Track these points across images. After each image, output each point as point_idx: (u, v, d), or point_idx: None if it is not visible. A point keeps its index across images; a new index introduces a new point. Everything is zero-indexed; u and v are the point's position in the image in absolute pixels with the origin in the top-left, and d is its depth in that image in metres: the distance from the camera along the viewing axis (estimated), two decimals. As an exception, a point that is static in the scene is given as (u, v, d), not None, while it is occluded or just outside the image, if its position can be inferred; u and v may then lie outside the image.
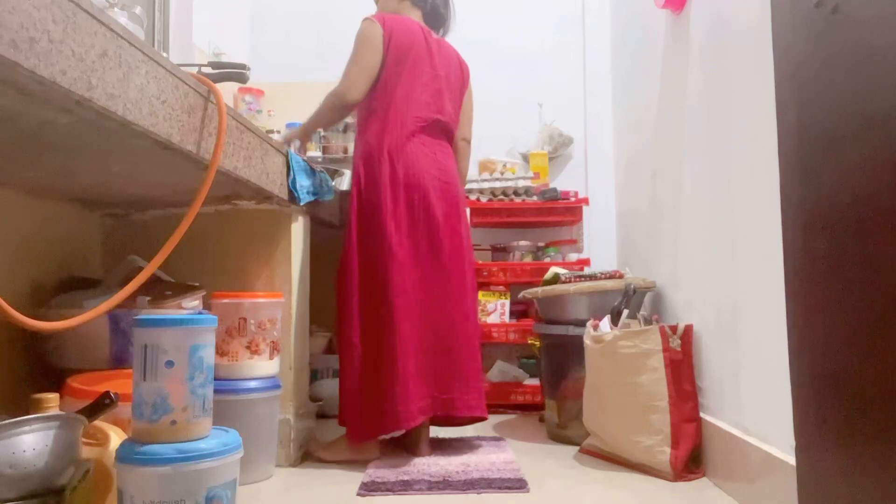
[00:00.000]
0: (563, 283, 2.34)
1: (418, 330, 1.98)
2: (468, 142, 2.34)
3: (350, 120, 3.21)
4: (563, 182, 3.20)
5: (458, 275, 2.08)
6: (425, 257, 2.03)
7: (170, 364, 1.13)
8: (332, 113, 2.13)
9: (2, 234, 1.63)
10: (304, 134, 2.18)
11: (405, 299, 1.96)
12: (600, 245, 3.08)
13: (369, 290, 1.99)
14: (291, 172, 1.89)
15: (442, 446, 2.12)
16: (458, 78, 2.28)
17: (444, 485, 1.69)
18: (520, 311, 2.97)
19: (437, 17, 2.31)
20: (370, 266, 1.99)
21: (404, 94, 2.09)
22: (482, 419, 2.13)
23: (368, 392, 1.94)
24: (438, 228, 2.06)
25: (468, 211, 2.92)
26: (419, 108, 2.11)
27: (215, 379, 1.25)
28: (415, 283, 2.00)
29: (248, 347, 1.78)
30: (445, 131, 2.19)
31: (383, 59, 2.10)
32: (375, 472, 1.81)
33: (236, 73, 1.86)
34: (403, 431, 1.97)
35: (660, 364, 1.85)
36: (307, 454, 1.99)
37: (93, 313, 1.14)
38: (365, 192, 2.04)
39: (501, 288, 2.96)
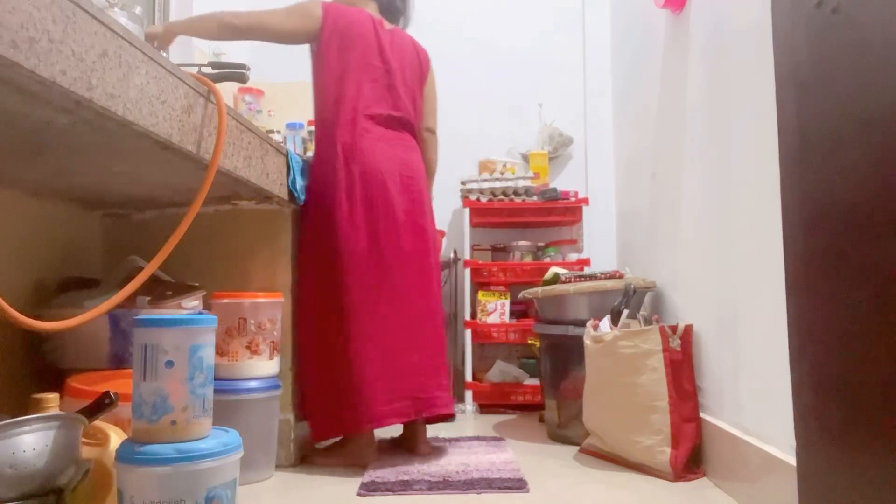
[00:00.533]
0: (563, 283, 2.34)
1: (383, 328, 1.94)
2: (433, 132, 2.29)
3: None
4: (563, 182, 3.20)
5: (422, 270, 2.04)
6: (387, 254, 1.98)
7: (170, 364, 1.13)
8: (219, 27, 1.96)
9: (2, 234, 1.63)
10: (178, 30, 1.98)
11: (362, 297, 1.92)
12: (600, 245, 3.08)
13: (324, 290, 1.94)
14: (291, 172, 1.89)
15: (442, 446, 2.12)
16: (415, 68, 2.21)
17: (444, 485, 1.69)
18: (520, 311, 2.97)
19: (393, 10, 2.26)
20: (324, 267, 1.95)
21: (354, 90, 2.03)
22: (451, 417, 2.14)
23: (329, 391, 1.91)
24: (399, 224, 2.01)
25: (468, 211, 2.93)
26: (372, 105, 2.05)
27: (215, 379, 1.24)
28: (376, 280, 1.96)
29: (248, 347, 1.78)
30: (404, 125, 2.13)
31: (319, 45, 2.05)
32: (375, 472, 1.81)
33: (236, 73, 1.86)
34: (395, 431, 1.97)
35: (660, 364, 1.85)
36: (304, 459, 1.98)
37: (93, 313, 1.14)
38: (318, 194, 1.98)
39: (501, 288, 2.96)
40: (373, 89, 2.07)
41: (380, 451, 2.01)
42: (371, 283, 1.95)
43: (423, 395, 1.97)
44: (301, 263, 2.01)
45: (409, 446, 2.05)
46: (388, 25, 2.19)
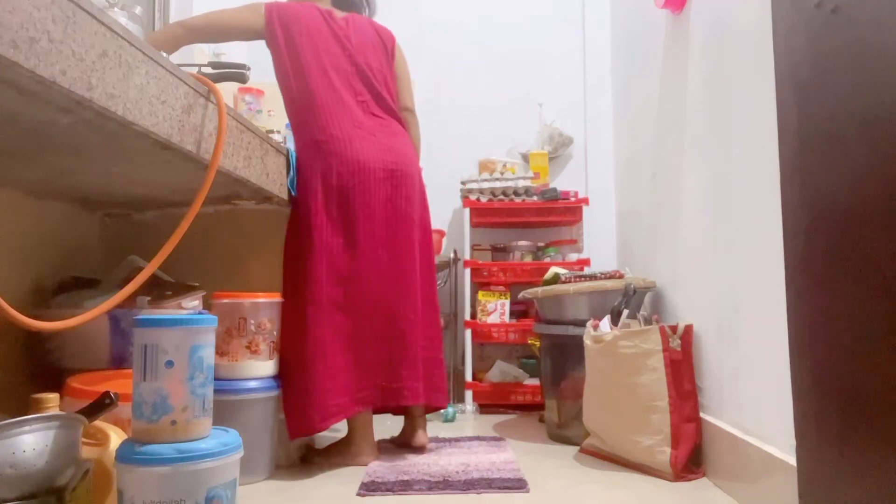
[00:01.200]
0: (563, 283, 2.34)
1: (352, 323, 1.91)
2: (411, 110, 2.24)
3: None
4: (563, 182, 3.20)
5: (401, 260, 1.99)
6: (361, 246, 1.94)
7: (170, 364, 1.13)
8: (172, 38, 1.93)
9: (2, 234, 1.63)
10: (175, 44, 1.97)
11: (329, 291, 1.89)
12: (600, 245, 3.08)
13: (297, 285, 1.92)
14: (291, 172, 1.89)
15: (442, 446, 2.12)
16: (378, 49, 2.16)
17: (444, 485, 1.69)
18: (520, 311, 2.97)
19: (349, 4, 2.23)
20: (299, 261, 1.93)
21: (320, 82, 2.00)
22: (438, 408, 2.10)
23: (298, 388, 1.87)
24: (376, 214, 1.96)
25: (468, 211, 2.93)
26: (340, 92, 2.01)
27: (215, 379, 1.25)
28: (347, 273, 1.92)
29: (247, 347, 1.78)
30: (382, 107, 2.08)
31: (268, 43, 2.04)
32: (375, 472, 1.81)
33: (236, 73, 1.86)
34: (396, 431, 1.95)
35: (660, 364, 1.85)
36: (304, 459, 1.98)
37: (93, 313, 1.14)
38: (298, 190, 1.96)
39: (501, 288, 2.96)
40: (339, 78, 2.03)
41: (380, 451, 2.01)
42: (341, 276, 1.92)
43: (393, 384, 1.93)
44: (284, 259, 1.99)
45: (405, 440, 2.04)
46: (339, 14, 2.14)
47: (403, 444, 2.07)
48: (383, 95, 2.10)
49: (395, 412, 2.13)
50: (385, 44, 2.19)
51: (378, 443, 2.04)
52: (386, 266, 1.97)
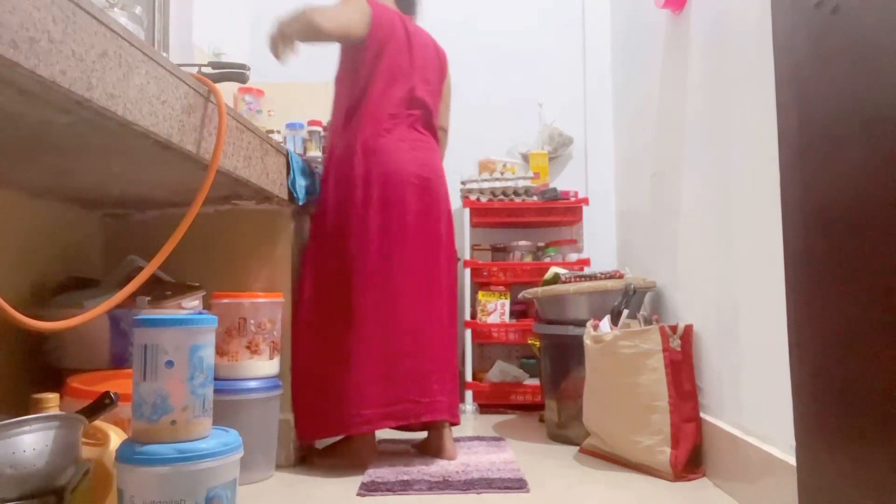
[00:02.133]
0: (563, 283, 2.34)
1: (384, 333, 1.90)
2: (446, 131, 2.29)
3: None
4: (563, 182, 3.20)
5: (430, 276, 2.00)
6: (395, 259, 1.94)
7: (170, 364, 1.13)
8: (331, 34, 1.97)
9: (2, 234, 1.63)
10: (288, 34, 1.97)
11: (367, 301, 1.90)
12: (600, 245, 3.08)
13: (328, 289, 1.93)
14: (291, 172, 1.89)
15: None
16: (437, 67, 2.20)
17: (444, 485, 1.69)
18: (520, 311, 2.97)
19: (409, 4, 2.24)
20: (332, 266, 1.93)
21: (382, 88, 2.02)
22: (453, 424, 2.07)
23: (321, 393, 1.88)
24: (410, 229, 1.97)
25: (467, 211, 2.93)
26: (397, 104, 2.03)
27: (215, 379, 1.25)
28: (382, 284, 1.92)
29: (247, 347, 1.78)
30: (426, 124, 2.11)
31: (364, 40, 2.02)
32: (375, 472, 1.81)
33: (236, 73, 1.86)
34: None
35: (660, 364, 1.85)
36: (304, 459, 1.97)
37: (93, 313, 1.14)
38: (334, 191, 1.97)
39: (501, 288, 2.96)
40: (398, 88, 2.05)
41: (380, 452, 2.01)
42: (377, 287, 1.92)
43: (424, 399, 1.92)
44: (306, 261, 1.99)
45: (433, 450, 1.99)
46: (411, 22, 2.17)
47: (430, 453, 2.01)
48: (432, 113, 2.14)
49: (416, 428, 2.09)
50: (441, 65, 2.23)
51: (379, 443, 2.04)
52: (417, 279, 1.97)
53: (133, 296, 1.29)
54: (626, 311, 2.07)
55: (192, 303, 1.71)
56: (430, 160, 2.08)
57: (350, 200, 1.95)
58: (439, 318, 2.01)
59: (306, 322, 1.94)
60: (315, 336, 1.92)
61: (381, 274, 1.93)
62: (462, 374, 2.88)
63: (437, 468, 1.85)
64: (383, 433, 2.17)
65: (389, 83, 2.04)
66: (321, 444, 2.05)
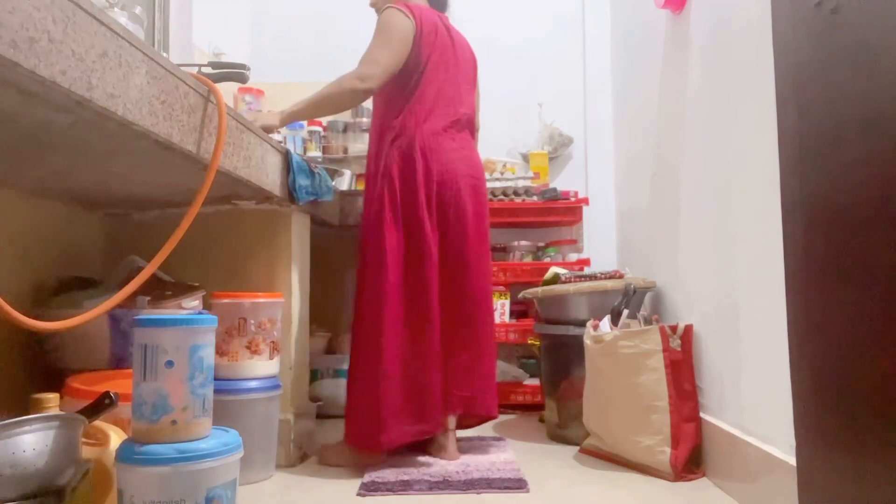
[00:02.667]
0: (563, 283, 2.34)
1: (443, 332, 1.95)
2: (477, 130, 2.31)
3: (350, 119, 3.21)
4: (563, 182, 3.20)
5: (481, 275, 2.05)
6: (452, 257, 1.99)
7: (170, 364, 1.13)
8: (348, 97, 1.97)
9: (2, 234, 1.63)
10: (289, 121, 2.03)
11: (437, 302, 1.94)
12: (600, 245, 3.08)
13: (408, 292, 1.94)
14: (291, 172, 1.89)
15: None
16: (473, 67, 2.24)
17: (444, 485, 1.69)
18: (520, 311, 2.97)
19: (441, 3, 2.24)
20: (409, 267, 1.94)
21: (435, 89, 2.05)
22: (491, 418, 2.12)
23: (405, 397, 1.88)
24: (468, 228, 2.02)
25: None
26: (447, 104, 2.06)
27: (215, 379, 1.25)
28: (442, 284, 1.97)
29: (247, 347, 1.78)
30: (469, 125, 2.16)
31: (410, 52, 2.02)
32: (375, 472, 1.81)
33: (236, 73, 1.86)
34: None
35: (660, 364, 1.85)
36: (321, 460, 1.95)
37: (93, 313, 1.14)
38: (401, 191, 1.98)
39: (501, 288, 2.96)
40: (450, 87, 2.08)
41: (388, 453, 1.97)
42: (441, 287, 1.97)
43: (463, 393, 1.98)
44: (371, 260, 1.96)
45: (436, 450, 1.98)
46: (449, 23, 2.18)
47: (431, 453, 1.99)
48: (472, 114, 2.17)
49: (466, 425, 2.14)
50: (476, 66, 2.25)
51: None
52: (471, 279, 2.02)
53: (133, 296, 1.29)
54: (626, 311, 2.07)
55: (192, 303, 1.71)
56: (476, 162, 2.12)
57: (415, 201, 1.96)
58: (486, 317, 2.06)
59: (390, 326, 1.91)
60: (404, 341, 1.91)
61: (446, 272, 1.97)
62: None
63: (437, 468, 1.85)
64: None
65: (441, 83, 2.06)
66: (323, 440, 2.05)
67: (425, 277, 1.93)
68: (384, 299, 1.91)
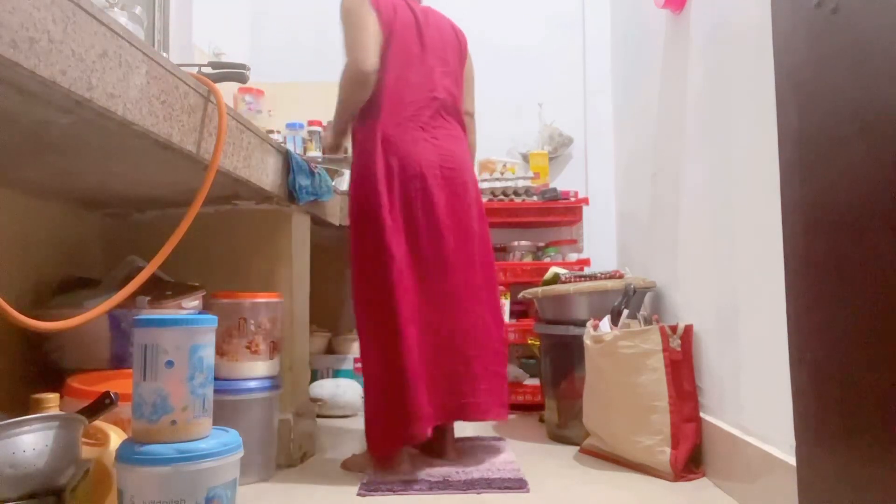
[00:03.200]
0: (563, 283, 2.34)
1: (421, 335, 1.83)
2: (472, 115, 2.16)
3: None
4: (563, 182, 3.20)
5: (463, 272, 1.91)
6: (425, 255, 1.86)
7: (170, 364, 1.13)
8: (354, 89, 1.89)
9: (2, 234, 1.63)
10: (341, 132, 2.02)
11: (407, 301, 1.81)
12: (600, 245, 3.08)
13: (373, 296, 1.84)
14: (291, 172, 1.89)
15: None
16: (455, 48, 2.07)
17: (444, 485, 1.69)
18: (520, 311, 2.97)
19: None
20: (370, 269, 1.85)
21: (395, 76, 1.91)
22: (499, 419, 2.03)
23: (384, 403, 1.79)
24: (441, 224, 1.88)
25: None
26: (413, 90, 1.92)
27: (215, 379, 1.25)
28: (414, 283, 1.84)
29: (247, 347, 1.78)
30: (449, 110, 1.99)
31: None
32: (375, 471, 1.81)
33: (236, 73, 1.86)
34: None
35: (660, 364, 1.85)
36: (343, 465, 1.92)
37: (93, 313, 1.14)
38: (359, 189, 1.88)
39: (501, 288, 2.95)
40: (415, 73, 1.94)
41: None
42: (412, 287, 1.83)
43: (456, 401, 1.85)
44: (352, 263, 1.90)
45: (436, 452, 1.95)
46: (418, 3, 2.05)
47: (432, 454, 1.96)
48: (452, 97, 2.01)
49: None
50: (460, 46, 2.10)
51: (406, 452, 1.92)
52: (452, 279, 1.88)
53: (133, 296, 1.29)
54: (626, 311, 2.07)
55: (192, 303, 1.71)
56: (453, 150, 1.96)
57: (374, 198, 1.84)
58: (474, 317, 1.91)
59: (364, 334, 1.86)
60: (376, 347, 1.84)
61: (417, 271, 1.85)
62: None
63: (437, 468, 1.85)
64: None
65: (404, 69, 1.92)
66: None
67: (388, 282, 1.79)
68: (358, 306, 1.88)
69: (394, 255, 1.81)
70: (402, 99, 1.91)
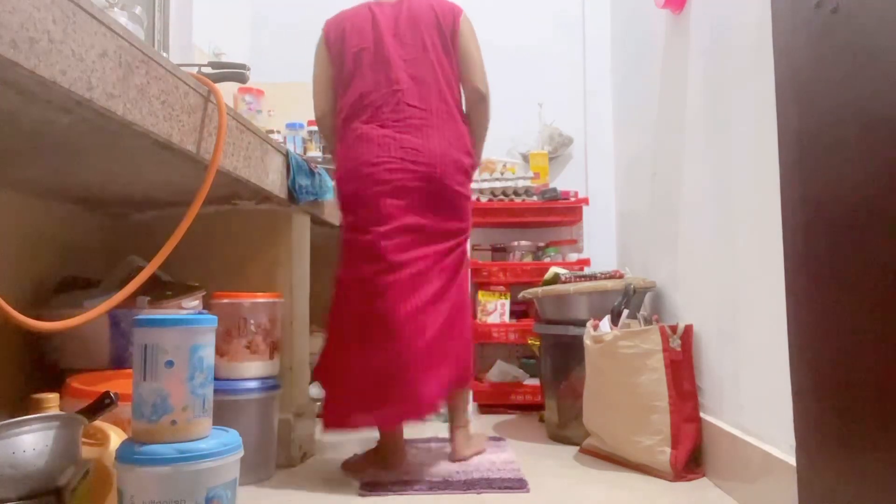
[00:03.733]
0: (563, 283, 2.34)
1: (358, 338, 1.79)
2: (480, 91, 2.02)
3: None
4: (563, 182, 3.20)
5: (420, 272, 1.80)
6: (379, 258, 1.78)
7: (170, 364, 1.13)
8: (319, 126, 2.07)
9: (2, 234, 1.63)
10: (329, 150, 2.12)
11: (347, 307, 1.82)
12: (600, 245, 3.08)
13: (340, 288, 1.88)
14: (291, 172, 1.89)
15: (442, 446, 2.12)
16: (432, 28, 1.94)
17: (444, 485, 1.69)
18: (520, 311, 2.97)
19: None
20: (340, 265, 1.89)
21: (347, 80, 1.93)
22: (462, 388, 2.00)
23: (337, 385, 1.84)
24: (389, 224, 1.79)
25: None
26: (371, 86, 1.88)
27: (215, 379, 1.24)
28: (367, 286, 1.79)
29: (247, 347, 1.78)
30: (420, 96, 1.89)
31: (332, 59, 1.97)
32: (376, 472, 1.81)
33: (236, 73, 1.86)
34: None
35: (660, 364, 1.85)
36: (343, 467, 1.90)
37: (93, 313, 1.14)
38: (337, 190, 1.96)
39: (501, 288, 2.96)
40: (368, 70, 1.90)
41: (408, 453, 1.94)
42: (363, 290, 1.80)
43: (380, 409, 1.77)
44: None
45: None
46: (389, 2, 1.99)
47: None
48: (427, 81, 1.90)
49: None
50: (440, 21, 1.95)
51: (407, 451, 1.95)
52: (402, 281, 1.78)
53: (133, 296, 1.29)
54: (626, 311, 2.07)
55: (192, 303, 1.71)
56: (418, 145, 1.84)
57: (339, 199, 1.91)
58: (409, 315, 1.77)
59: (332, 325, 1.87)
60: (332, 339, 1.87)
61: (368, 276, 1.79)
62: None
63: (437, 468, 1.85)
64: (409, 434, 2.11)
65: (356, 70, 1.91)
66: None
67: (337, 285, 1.87)
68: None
69: (345, 257, 1.87)
70: (358, 99, 1.90)
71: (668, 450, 1.78)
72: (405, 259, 1.80)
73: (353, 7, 2.04)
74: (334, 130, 1.98)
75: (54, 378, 1.50)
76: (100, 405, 1.20)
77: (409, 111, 1.88)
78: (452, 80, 1.99)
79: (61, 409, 1.20)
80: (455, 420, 2.00)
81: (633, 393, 1.87)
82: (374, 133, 1.87)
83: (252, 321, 1.78)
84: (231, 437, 1.20)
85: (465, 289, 1.98)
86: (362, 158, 1.85)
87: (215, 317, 1.23)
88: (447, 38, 1.97)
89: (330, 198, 2.14)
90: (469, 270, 2.05)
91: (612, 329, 2.02)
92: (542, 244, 3.10)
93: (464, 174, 1.97)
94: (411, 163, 1.84)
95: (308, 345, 2.14)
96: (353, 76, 1.93)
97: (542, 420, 2.49)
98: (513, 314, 2.94)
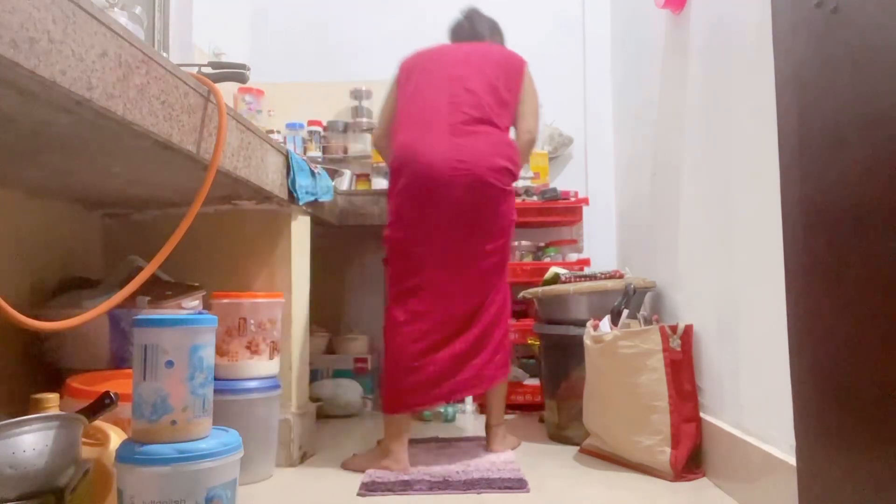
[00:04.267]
0: (563, 283, 2.34)
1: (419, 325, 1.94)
2: (532, 135, 2.18)
3: (350, 119, 3.22)
4: (563, 182, 3.20)
5: (465, 267, 1.97)
6: (426, 253, 1.96)
7: (170, 364, 1.13)
8: (376, 148, 2.27)
9: (2, 234, 1.63)
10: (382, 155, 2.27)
11: (405, 307, 1.94)
12: (600, 245, 3.08)
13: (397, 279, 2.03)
14: (291, 172, 1.89)
15: (442, 446, 2.12)
16: (500, 69, 2.14)
17: (444, 485, 1.69)
18: (520, 311, 2.97)
19: (475, 34, 2.31)
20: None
21: (409, 95, 2.07)
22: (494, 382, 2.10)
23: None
24: (444, 223, 1.95)
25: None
26: (434, 112, 2.01)
27: (215, 379, 1.25)
28: (416, 279, 1.95)
29: (247, 347, 1.78)
30: (483, 121, 2.02)
31: (400, 89, 2.14)
32: (376, 472, 1.81)
33: (236, 73, 1.86)
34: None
35: (660, 364, 1.85)
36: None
37: (93, 313, 1.14)
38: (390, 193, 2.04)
39: (501, 288, 2.95)
40: (438, 97, 2.04)
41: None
42: (416, 283, 1.95)
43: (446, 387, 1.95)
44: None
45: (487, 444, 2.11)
46: (462, 43, 2.26)
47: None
48: (487, 112, 2.03)
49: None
50: (509, 65, 2.20)
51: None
52: (452, 272, 1.96)
53: (133, 296, 1.29)
54: (626, 311, 2.07)
55: (192, 303, 1.71)
56: (470, 147, 1.95)
57: (393, 193, 2.00)
58: (463, 311, 1.98)
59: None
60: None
61: (416, 269, 1.95)
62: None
63: (437, 468, 1.85)
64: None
65: (420, 94, 2.06)
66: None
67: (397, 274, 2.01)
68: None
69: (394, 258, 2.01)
70: (417, 119, 2.03)
71: (668, 450, 1.78)
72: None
73: (419, 51, 2.21)
74: (389, 150, 2.11)
75: (54, 378, 1.51)
76: (100, 405, 1.20)
77: (463, 128, 2.00)
78: (505, 115, 2.12)
79: (61, 409, 1.20)
80: (493, 417, 2.12)
81: (632, 393, 1.87)
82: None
83: (252, 321, 1.78)
84: (231, 437, 1.20)
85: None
86: (422, 160, 1.98)
87: (215, 317, 1.23)
88: (511, 80, 2.18)
89: (330, 198, 2.14)
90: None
91: (612, 329, 2.02)
92: (542, 244, 3.09)
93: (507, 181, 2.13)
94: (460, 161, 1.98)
95: (308, 345, 2.14)
96: (415, 94, 2.08)
97: (542, 420, 2.49)
98: (513, 314, 2.93)
